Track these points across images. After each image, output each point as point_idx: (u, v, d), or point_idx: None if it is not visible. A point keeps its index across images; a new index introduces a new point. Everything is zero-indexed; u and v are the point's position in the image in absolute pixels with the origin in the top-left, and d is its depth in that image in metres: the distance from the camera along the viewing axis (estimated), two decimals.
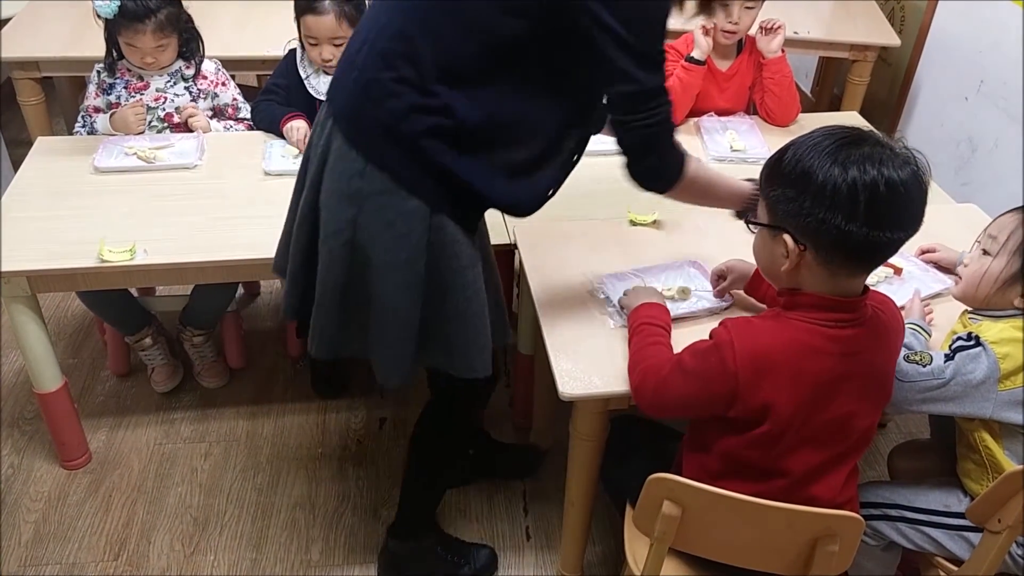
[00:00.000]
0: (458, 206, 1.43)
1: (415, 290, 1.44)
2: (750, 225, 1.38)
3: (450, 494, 2.15)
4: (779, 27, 2.40)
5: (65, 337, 2.57)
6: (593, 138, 2.31)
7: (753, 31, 2.44)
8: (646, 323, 1.55)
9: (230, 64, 2.50)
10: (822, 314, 1.29)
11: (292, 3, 2.97)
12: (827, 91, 3.56)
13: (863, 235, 1.22)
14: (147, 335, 2.33)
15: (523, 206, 1.54)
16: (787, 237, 1.27)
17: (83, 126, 2.31)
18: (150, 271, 1.86)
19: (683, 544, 1.39)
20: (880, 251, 1.27)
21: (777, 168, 1.29)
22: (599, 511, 1.93)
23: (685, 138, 2.37)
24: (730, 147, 2.34)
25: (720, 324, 1.35)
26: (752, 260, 1.50)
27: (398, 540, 1.90)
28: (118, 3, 2.06)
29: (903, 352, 1.49)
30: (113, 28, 2.15)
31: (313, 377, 2.47)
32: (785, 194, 1.26)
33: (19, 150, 3.04)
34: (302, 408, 2.39)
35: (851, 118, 2.60)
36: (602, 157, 2.28)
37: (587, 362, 1.59)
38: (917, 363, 1.49)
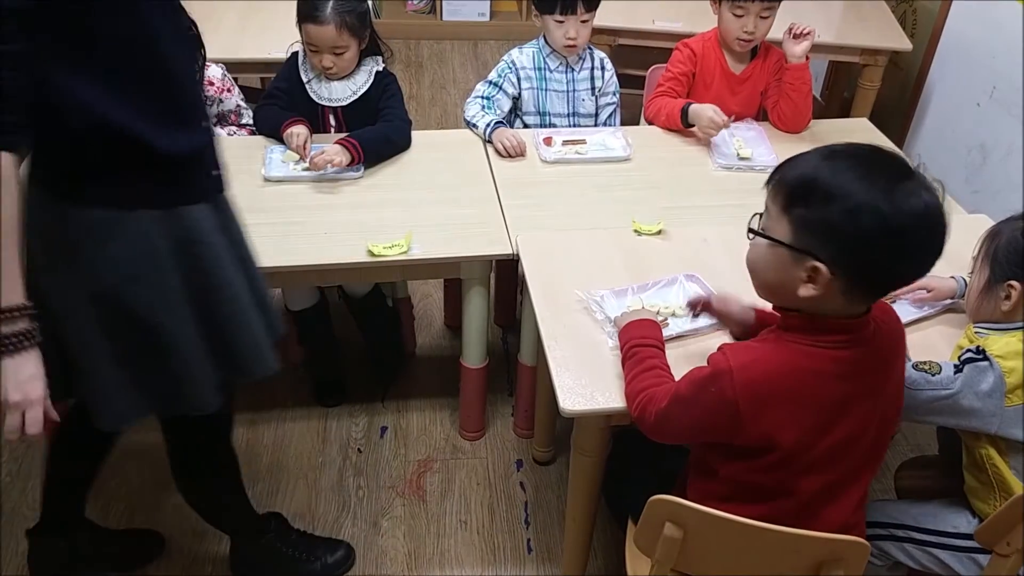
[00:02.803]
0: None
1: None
2: (753, 235, 1.31)
3: (451, 506, 2.13)
4: (808, 32, 2.31)
5: None
6: (594, 144, 2.32)
7: (775, 35, 2.39)
8: (637, 345, 1.51)
9: (233, 67, 2.48)
10: (827, 336, 1.25)
11: (295, 4, 2.96)
12: (837, 96, 3.52)
13: (907, 270, 1.20)
14: None
15: None
16: (820, 266, 1.18)
17: None
18: None
19: (685, 566, 1.36)
20: (913, 281, 1.23)
21: (814, 189, 1.18)
22: (601, 524, 1.91)
23: (694, 146, 2.38)
24: (737, 155, 2.31)
25: (718, 350, 1.31)
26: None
27: (238, 543, 1.88)
28: None
29: (910, 361, 1.45)
30: None
31: (315, 385, 2.44)
32: (826, 221, 1.16)
33: None
34: (302, 416, 2.37)
35: (861, 125, 2.57)
36: (604, 164, 2.27)
37: (589, 377, 1.57)
38: (926, 371, 1.46)
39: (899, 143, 2.99)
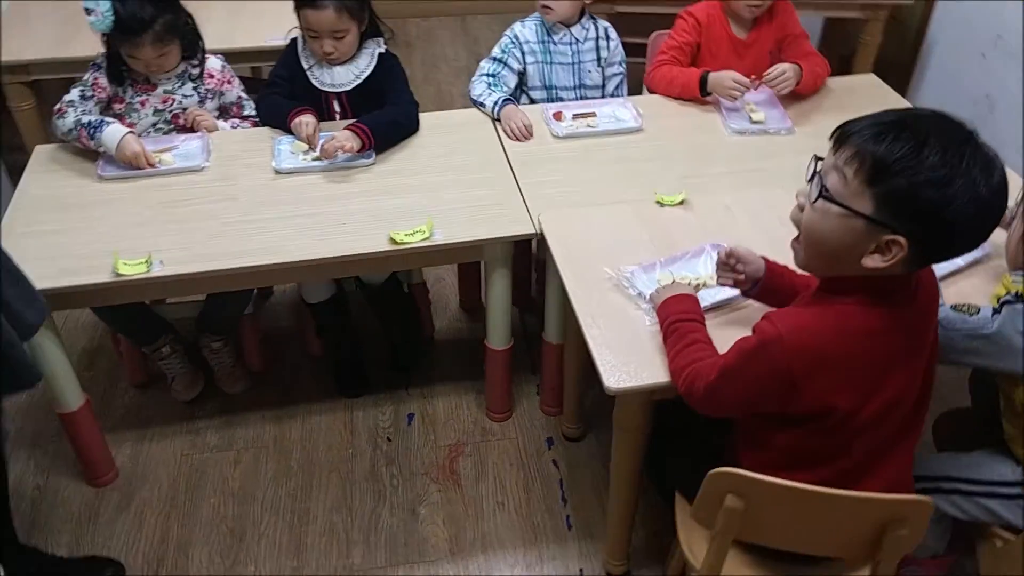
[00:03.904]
0: None
1: None
2: (827, 201, 1.22)
3: (486, 488, 2.12)
4: (781, 81, 2.29)
5: (77, 350, 2.51)
6: (604, 117, 2.29)
7: None
8: (677, 320, 1.50)
9: (228, 58, 2.42)
10: (875, 296, 1.24)
11: None
12: (835, 53, 3.49)
13: (978, 242, 1.20)
14: (164, 344, 2.28)
15: None
16: (902, 240, 1.16)
17: (78, 106, 2.10)
18: (167, 283, 1.81)
19: (744, 535, 1.36)
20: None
21: (909, 166, 1.13)
22: (640, 497, 1.90)
23: (705, 113, 2.35)
24: (750, 119, 2.29)
25: (763, 318, 1.29)
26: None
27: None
28: (112, 17, 1.98)
29: (944, 305, 1.45)
30: (112, 41, 2.07)
31: (336, 377, 2.42)
32: (918, 198, 1.13)
33: (11, 157, 2.97)
34: (327, 408, 2.35)
35: (869, 81, 2.55)
36: (616, 136, 2.25)
37: (629, 354, 1.55)
38: (964, 312, 1.46)
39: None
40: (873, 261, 1.20)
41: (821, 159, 1.28)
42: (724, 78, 2.29)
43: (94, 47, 2.17)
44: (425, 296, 2.55)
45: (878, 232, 1.18)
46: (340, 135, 2.08)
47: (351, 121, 2.14)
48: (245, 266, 1.82)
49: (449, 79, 4.04)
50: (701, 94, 2.35)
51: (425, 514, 2.07)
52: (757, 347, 1.27)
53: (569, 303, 1.96)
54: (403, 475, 2.17)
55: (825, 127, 2.31)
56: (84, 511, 2.06)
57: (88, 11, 1.99)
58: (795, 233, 1.31)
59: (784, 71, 2.28)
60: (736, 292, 1.65)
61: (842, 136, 1.22)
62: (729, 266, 1.57)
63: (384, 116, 2.18)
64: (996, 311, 1.45)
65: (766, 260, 1.55)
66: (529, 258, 2.51)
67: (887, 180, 1.15)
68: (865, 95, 2.44)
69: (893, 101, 2.44)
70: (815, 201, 1.23)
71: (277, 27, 2.65)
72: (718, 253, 1.60)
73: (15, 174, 2.95)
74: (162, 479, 2.15)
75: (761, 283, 1.55)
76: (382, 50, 2.29)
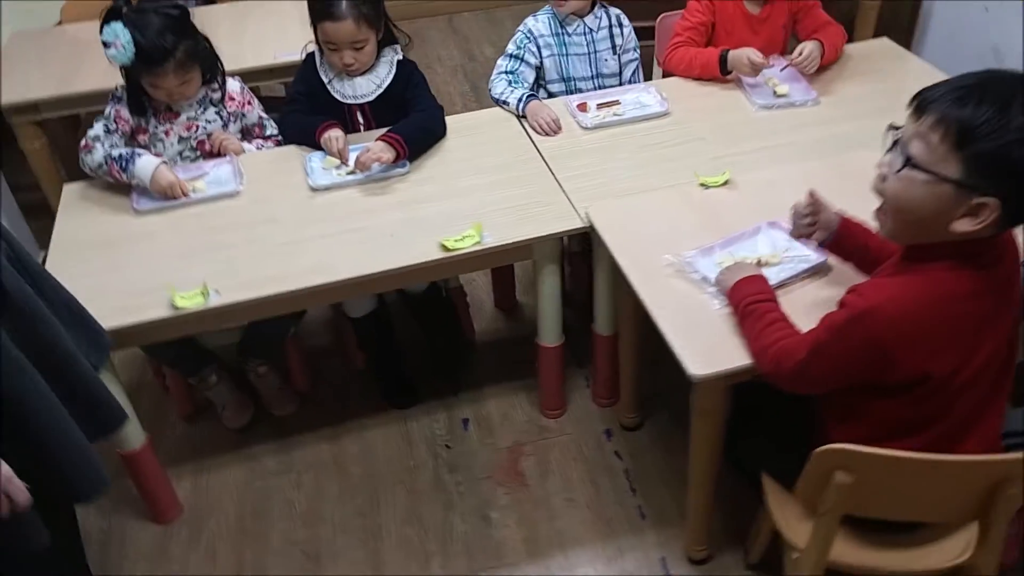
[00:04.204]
0: None
1: None
2: (915, 169, 1.22)
3: (553, 486, 2.12)
4: (808, 60, 2.30)
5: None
6: (629, 104, 2.29)
7: None
8: (752, 302, 1.50)
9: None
10: (966, 259, 1.25)
11: (289, 3, 2.88)
12: (832, 13, 3.49)
13: None
14: (211, 373, 2.26)
15: None
16: (992, 202, 1.17)
17: (104, 140, 2.07)
18: (225, 312, 1.79)
19: (852, 509, 1.36)
20: None
21: (998, 128, 1.14)
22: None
23: (728, 92, 2.35)
24: (774, 93, 2.29)
25: (850, 292, 1.30)
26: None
27: None
28: (133, 49, 1.94)
29: None
30: (133, 72, 2.03)
31: (384, 389, 2.41)
32: (1009, 158, 1.14)
33: (23, 195, 2.92)
34: (381, 421, 2.34)
35: (884, 45, 2.55)
36: (644, 123, 2.24)
37: (706, 339, 1.56)
38: None
39: None
40: (963, 225, 1.20)
41: (896, 128, 1.28)
42: (742, 55, 2.29)
43: (100, 80, 2.14)
44: (463, 299, 2.54)
45: (967, 196, 1.19)
46: (374, 146, 2.06)
47: (383, 131, 2.12)
48: (300, 288, 1.80)
49: (445, 79, 4.02)
50: (721, 73, 2.35)
51: (497, 518, 2.07)
52: (849, 321, 1.27)
53: (619, 293, 1.98)
54: (468, 481, 2.16)
55: (848, 95, 2.34)
56: (155, 550, 2.04)
57: (107, 44, 1.96)
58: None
59: (810, 51, 2.29)
60: (802, 267, 1.66)
61: (922, 104, 1.23)
62: (805, 215, 1.58)
63: (414, 123, 2.17)
64: None
65: (841, 217, 1.57)
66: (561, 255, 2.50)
67: (974, 143, 1.16)
68: (882, 59, 2.45)
69: (912, 64, 2.45)
70: (900, 170, 1.23)
71: (284, 43, 2.64)
72: (794, 206, 1.61)
73: (29, 213, 2.93)
74: (227, 509, 2.13)
75: (835, 234, 1.57)
76: (400, 57, 2.27)
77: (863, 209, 1.65)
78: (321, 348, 2.57)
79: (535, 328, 2.15)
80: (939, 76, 2.32)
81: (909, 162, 1.22)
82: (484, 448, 2.25)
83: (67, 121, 2.92)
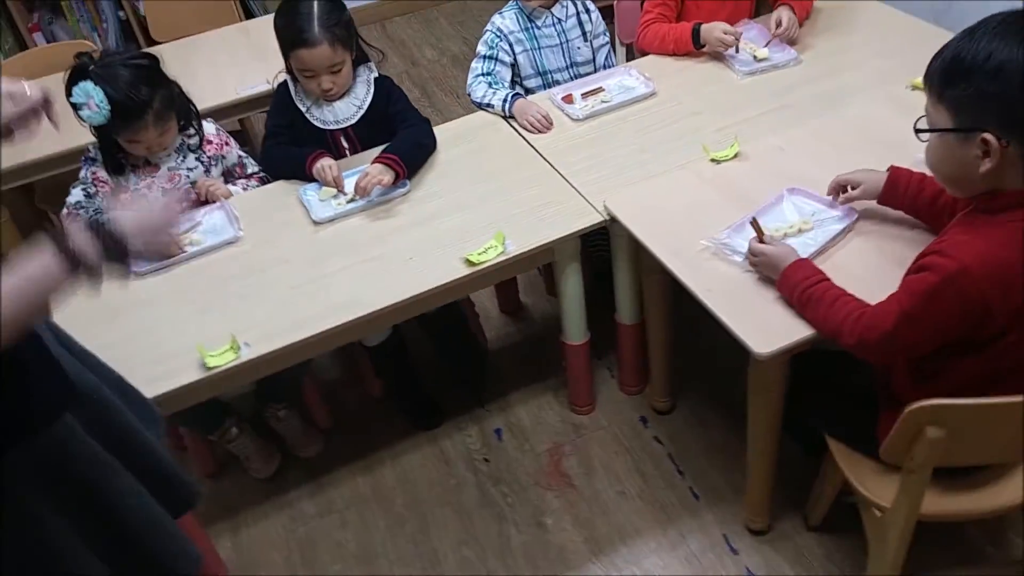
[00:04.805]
0: None
1: None
2: (920, 135, 1.34)
3: (601, 482, 2.11)
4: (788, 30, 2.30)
5: None
6: (614, 89, 2.27)
7: None
8: (807, 287, 1.49)
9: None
10: None
11: (233, 33, 2.77)
12: None
13: None
14: (231, 426, 2.18)
15: None
16: (988, 136, 1.23)
17: (86, 206, 2.01)
18: (261, 364, 1.71)
19: (941, 461, 1.38)
20: None
21: (958, 67, 1.24)
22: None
23: (707, 64, 2.35)
24: (754, 58, 2.30)
25: (934, 254, 1.31)
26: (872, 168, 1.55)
27: None
28: (108, 107, 1.83)
29: None
30: (106, 130, 1.93)
31: (409, 413, 2.36)
32: (981, 91, 1.22)
33: None
34: (411, 446, 2.29)
35: (872, 6, 2.56)
36: (634, 106, 2.23)
37: (762, 317, 1.56)
38: None
39: None
40: (985, 165, 1.26)
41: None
42: (714, 29, 2.30)
43: (60, 142, 2.02)
44: (472, 309, 2.50)
45: (970, 138, 1.25)
46: (372, 170, 2.00)
47: (377, 153, 2.06)
48: (333, 326, 1.73)
49: (422, 80, 3.96)
50: (695, 47, 2.35)
51: (552, 523, 2.05)
52: (942, 284, 1.27)
53: (647, 281, 1.98)
54: (514, 491, 2.14)
55: (825, 50, 2.37)
56: None
57: (78, 107, 1.85)
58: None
59: (788, 19, 2.30)
60: (837, 227, 1.68)
61: (924, 81, 1.32)
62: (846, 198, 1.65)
63: (407, 140, 2.11)
64: None
65: (890, 169, 1.64)
66: None
67: (948, 87, 1.26)
68: (850, 11, 2.47)
69: (879, 11, 2.46)
70: (925, 143, 1.33)
71: (243, 76, 2.56)
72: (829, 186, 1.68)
73: None
74: (275, 560, 2.06)
75: (883, 192, 1.64)
76: (376, 75, 2.21)
77: (876, 161, 1.72)
78: (336, 381, 2.50)
79: (546, 327, 2.14)
80: (907, 19, 2.39)
81: (917, 132, 1.31)
82: (523, 455, 2.22)
83: (22, 191, 2.77)
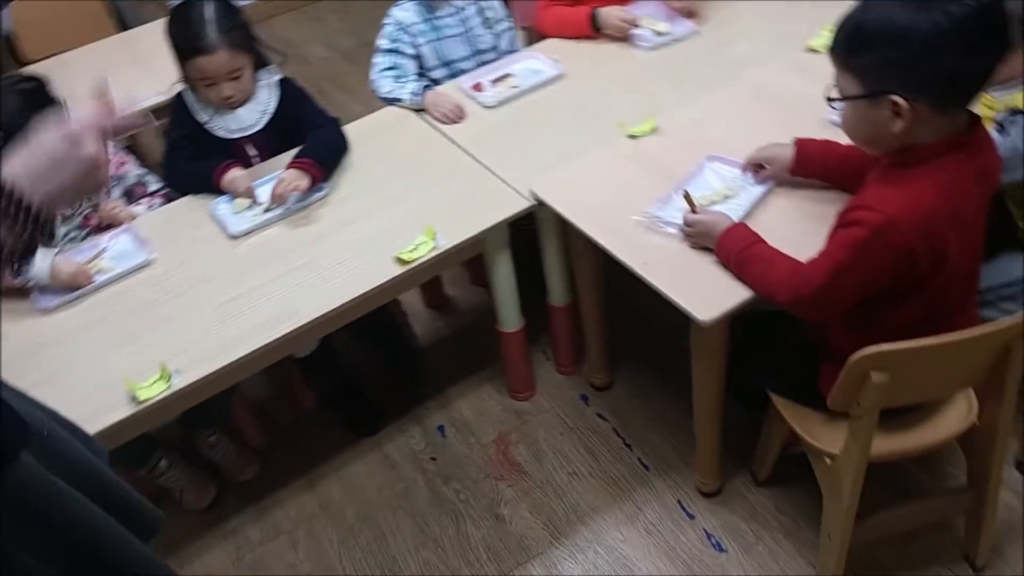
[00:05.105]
0: None
1: None
2: (833, 103, 1.38)
3: (551, 465, 2.12)
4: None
5: None
6: (522, 73, 2.26)
7: None
8: (743, 248, 1.54)
9: None
10: (959, 153, 1.33)
11: (111, 44, 2.62)
12: None
13: (976, 66, 1.27)
14: (159, 459, 2.07)
15: None
16: (896, 98, 1.27)
17: None
18: (196, 390, 1.63)
19: (884, 403, 1.44)
20: (987, 77, 1.30)
21: (860, 36, 1.30)
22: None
23: (609, 43, 2.35)
24: (654, 33, 2.34)
25: (859, 209, 1.35)
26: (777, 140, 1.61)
27: None
28: None
29: None
30: None
31: (349, 421, 2.30)
32: (885, 57, 1.27)
33: None
34: (354, 455, 2.24)
35: None
36: (544, 88, 2.23)
37: (700, 285, 1.59)
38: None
39: None
40: (898, 125, 1.31)
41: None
42: (611, 15, 2.34)
43: None
44: (399, 307, 2.46)
45: (880, 102, 1.30)
46: (287, 176, 1.93)
47: (297, 159, 1.98)
48: (268, 342, 1.66)
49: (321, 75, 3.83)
50: (594, 31, 2.37)
51: (509, 513, 2.04)
52: (871, 236, 1.32)
53: (577, 262, 1.99)
54: (466, 486, 2.12)
55: (719, 19, 2.42)
56: None
57: None
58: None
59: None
60: (760, 190, 1.72)
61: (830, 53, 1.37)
62: (757, 172, 1.64)
63: (320, 142, 2.05)
64: (1000, 129, 1.59)
65: (796, 142, 1.67)
66: None
67: (852, 56, 1.32)
68: None
69: None
70: (836, 110, 1.39)
71: (134, 88, 2.40)
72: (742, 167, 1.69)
73: None
74: None
75: (793, 164, 1.68)
76: (279, 77, 2.13)
77: (784, 121, 1.78)
78: (266, 398, 2.41)
79: (475, 318, 2.13)
80: None
81: (830, 102, 1.37)
82: (470, 449, 2.21)
83: None
